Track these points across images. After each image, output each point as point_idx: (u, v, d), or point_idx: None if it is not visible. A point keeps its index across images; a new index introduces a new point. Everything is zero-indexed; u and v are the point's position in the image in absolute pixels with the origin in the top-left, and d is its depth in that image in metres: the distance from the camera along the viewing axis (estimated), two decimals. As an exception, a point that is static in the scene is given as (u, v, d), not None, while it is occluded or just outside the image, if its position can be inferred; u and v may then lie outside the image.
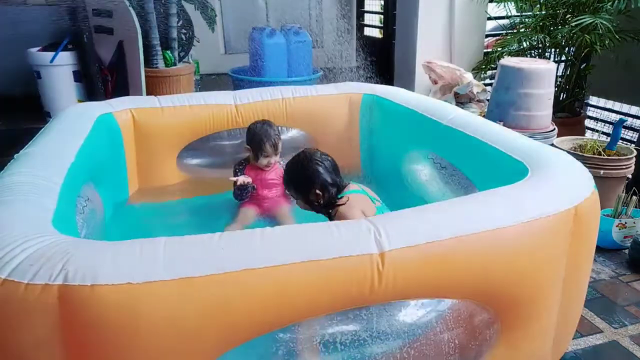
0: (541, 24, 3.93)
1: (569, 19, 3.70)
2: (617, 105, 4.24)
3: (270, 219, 2.42)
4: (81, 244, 1.11)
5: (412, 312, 1.27)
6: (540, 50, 4.07)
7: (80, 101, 4.20)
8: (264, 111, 2.71)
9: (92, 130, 2.14)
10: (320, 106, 2.80)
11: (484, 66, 4.45)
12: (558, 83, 3.90)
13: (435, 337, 1.28)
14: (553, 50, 4.01)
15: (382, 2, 6.78)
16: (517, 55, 3.98)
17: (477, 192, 1.79)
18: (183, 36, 4.64)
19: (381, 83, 2.99)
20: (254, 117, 2.70)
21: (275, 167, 2.45)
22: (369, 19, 7.24)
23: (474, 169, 2.05)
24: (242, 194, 2.40)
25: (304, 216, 2.07)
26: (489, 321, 1.34)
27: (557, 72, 3.57)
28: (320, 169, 1.83)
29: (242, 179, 2.32)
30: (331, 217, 1.83)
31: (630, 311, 2.10)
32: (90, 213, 1.82)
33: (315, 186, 1.82)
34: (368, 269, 1.13)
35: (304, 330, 1.19)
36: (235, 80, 4.40)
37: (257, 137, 2.34)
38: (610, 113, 4.29)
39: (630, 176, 2.79)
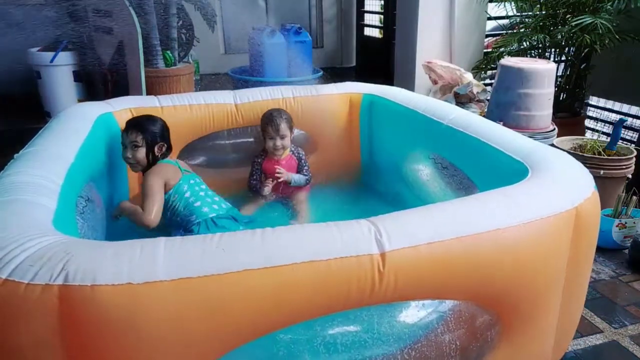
0: (541, 24, 3.93)
1: (569, 19, 3.69)
2: (617, 105, 4.23)
3: (287, 202, 2.59)
4: (81, 244, 1.11)
5: (413, 313, 1.27)
6: (540, 50, 4.07)
7: (80, 101, 4.20)
8: (264, 110, 2.70)
9: (91, 130, 2.13)
10: (321, 106, 2.80)
11: (484, 66, 4.45)
12: (558, 83, 3.90)
13: (436, 338, 1.28)
14: (553, 50, 4.01)
15: (382, 2, 6.78)
16: (517, 55, 3.98)
17: (478, 192, 1.79)
18: (183, 36, 4.64)
19: (381, 83, 2.98)
20: (254, 116, 2.70)
21: (289, 157, 2.63)
22: (369, 19, 7.24)
23: (475, 169, 2.05)
24: (257, 189, 2.62)
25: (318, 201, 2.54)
26: (490, 322, 1.34)
27: (557, 72, 3.57)
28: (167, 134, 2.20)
29: (267, 191, 2.54)
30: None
31: (630, 311, 2.10)
32: (91, 213, 1.82)
33: (163, 142, 2.18)
34: (369, 269, 1.13)
35: None
36: (235, 80, 4.40)
37: (263, 121, 2.56)
38: (610, 113, 4.29)
39: (630, 176, 2.79)
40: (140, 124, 2.15)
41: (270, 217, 2.48)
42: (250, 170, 2.66)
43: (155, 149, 2.15)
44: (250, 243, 1.12)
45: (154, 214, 1.96)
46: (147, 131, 2.13)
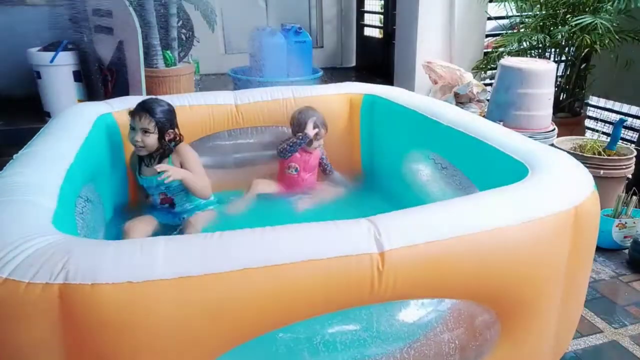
0: (541, 24, 3.93)
1: (569, 19, 3.70)
2: (617, 105, 4.23)
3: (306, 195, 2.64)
4: (81, 243, 1.11)
5: (412, 312, 1.27)
6: (540, 50, 4.07)
7: (80, 101, 4.20)
8: (264, 111, 2.70)
9: (91, 131, 2.13)
10: (321, 106, 2.79)
11: (483, 66, 4.45)
12: (558, 83, 3.91)
13: (436, 337, 1.27)
14: (553, 50, 4.01)
15: (382, 2, 6.78)
16: (517, 55, 3.98)
17: (477, 192, 1.79)
18: (183, 36, 4.65)
19: (381, 83, 2.98)
20: (254, 117, 2.70)
21: (317, 152, 2.70)
22: (369, 19, 7.25)
23: (474, 169, 2.05)
24: (292, 150, 2.58)
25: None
26: (489, 321, 1.34)
27: (557, 72, 3.57)
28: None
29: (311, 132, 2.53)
30: (165, 155, 2.22)
31: (630, 311, 2.10)
32: (90, 214, 1.82)
33: (173, 129, 2.22)
34: (368, 268, 1.13)
35: None
36: (235, 80, 4.40)
37: (305, 127, 2.57)
38: (610, 113, 4.29)
39: (630, 176, 2.80)
40: (152, 110, 2.14)
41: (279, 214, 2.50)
42: (291, 140, 2.59)
43: (166, 135, 2.18)
44: (250, 242, 1.12)
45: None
46: (159, 118, 2.14)
